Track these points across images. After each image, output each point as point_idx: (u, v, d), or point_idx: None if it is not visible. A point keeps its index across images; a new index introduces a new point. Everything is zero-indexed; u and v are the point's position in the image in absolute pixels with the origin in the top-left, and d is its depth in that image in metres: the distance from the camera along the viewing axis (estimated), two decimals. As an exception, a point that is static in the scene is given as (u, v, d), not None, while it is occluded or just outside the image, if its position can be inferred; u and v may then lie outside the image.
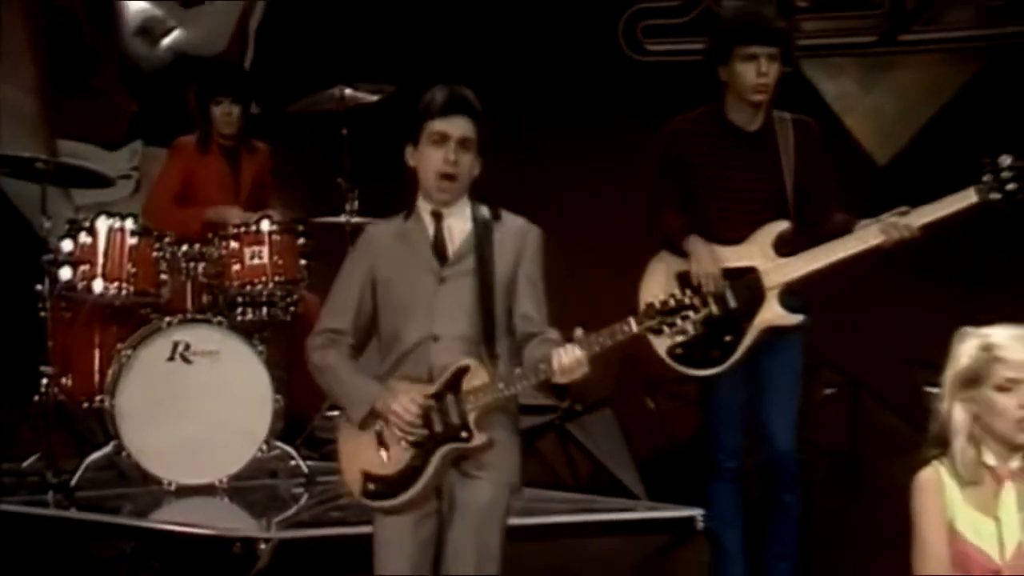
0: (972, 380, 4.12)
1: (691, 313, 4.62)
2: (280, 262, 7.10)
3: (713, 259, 5.83)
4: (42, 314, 7.03)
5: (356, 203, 7.37)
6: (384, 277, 4.76)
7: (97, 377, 7.00)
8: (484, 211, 4.78)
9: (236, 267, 7.09)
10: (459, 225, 4.77)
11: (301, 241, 7.18)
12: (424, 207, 4.78)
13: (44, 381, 7.02)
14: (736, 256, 5.86)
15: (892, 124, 8.33)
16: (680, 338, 5.63)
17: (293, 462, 6.99)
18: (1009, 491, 4.13)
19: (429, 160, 4.71)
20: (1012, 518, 4.11)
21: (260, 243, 7.08)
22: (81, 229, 6.99)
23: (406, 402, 4.67)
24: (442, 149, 4.70)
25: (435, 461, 4.69)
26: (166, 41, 8.62)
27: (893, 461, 6.58)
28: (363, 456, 4.75)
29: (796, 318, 5.85)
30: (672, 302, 4.63)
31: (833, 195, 5.96)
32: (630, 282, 5.91)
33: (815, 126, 6.04)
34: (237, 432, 6.87)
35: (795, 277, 5.84)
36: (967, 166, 5.86)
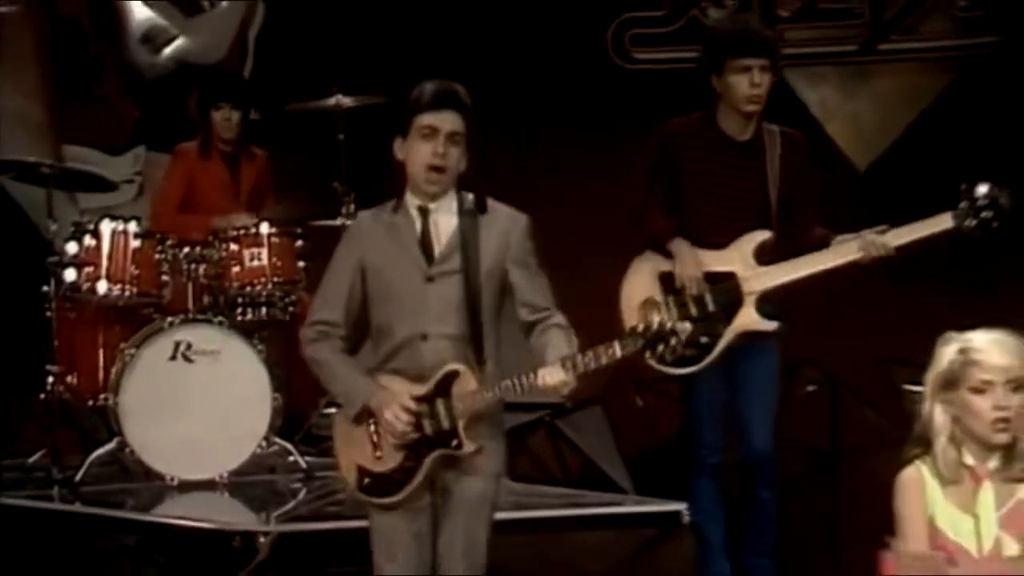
0: (950, 382, 4.13)
1: (673, 340, 4.58)
2: (279, 264, 7.09)
3: (696, 262, 5.84)
4: (48, 314, 7.03)
5: (352, 206, 7.33)
6: (373, 267, 4.70)
7: (101, 375, 7.00)
8: (470, 202, 4.71)
9: (236, 269, 7.08)
10: (445, 220, 4.70)
11: (299, 243, 7.16)
12: (412, 202, 4.71)
13: (50, 379, 7.02)
14: (718, 261, 5.87)
15: (872, 131, 8.34)
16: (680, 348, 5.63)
17: (292, 458, 6.98)
18: (987, 490, 4.13)
19: (418, 153, 4.64)
20: (990, 516, 4.12)
21: (259, 245, 7.07)
22: (86, 232, 6.99)
23: (397, 410, 4.65)
24: (431, 143, 4.63)
25: (426, 464, 4.68)
26: (168, 49, 8.60)
27: (872, 457, 6.61)
28: (358, 451, 4.74)
29: (771, 324, 5.87)
30: (655, 327, 4.58)
31: (814, 209, 5.97)
32: (618, 285, 5.91)
33: (802, 140, 6.04)
34: (237, 429, 6.86)
35: (772, 286, 5.86)
36: (944, 172, 5.86)
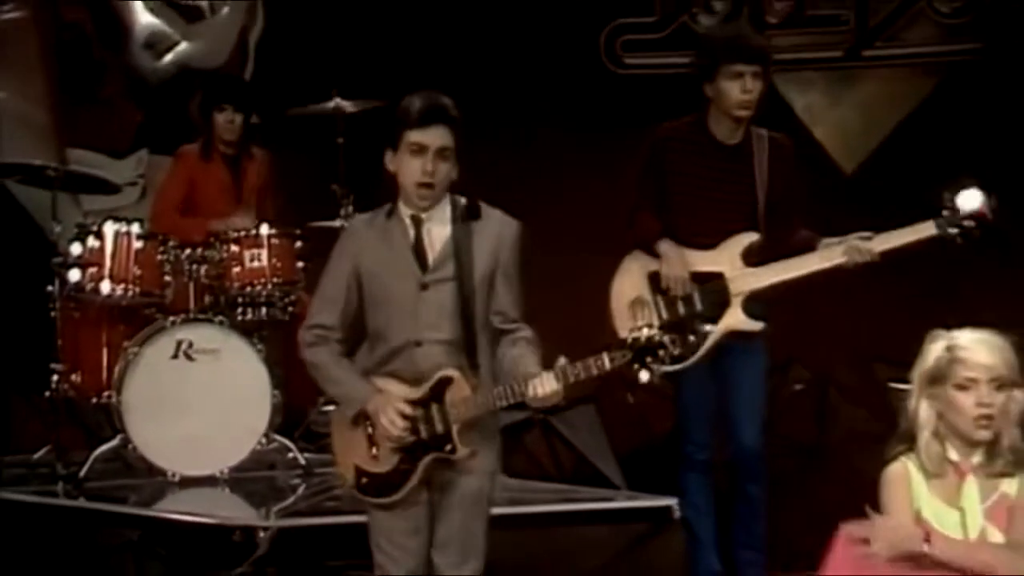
0: (936, 379, 4.14)
1: (661, 352, 4.58)
2: (278, 264, 7.08)
3: (683, 263, 5.84)
4: (52, 314, 7.03)
5: (351, 208, 7.34)
6: (368, 272, 4.68)
7: (105, 374, 6.98)
8: (463, 208, 4.68)
9: (236, 269, 7.06)
10: (438, 228, 4.68)
11: (298, 244, 7.15)
12: (405, 210, 4.69)
13: (54, 378, 7.02)
14: (706, 262, 5.87)
15: (857, 135, 8.33)
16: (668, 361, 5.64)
17: (291, 454, 6.97)
18: (971, 484, 4.14)
19: (408, 168, 4.61)
20: (975, 509, 4.12)
21: (259, 246, 7.05)
22: (89, 233, 6.98)
23: (393, 415, 4.63)
24: (420, 159, 4.59)
25: (421, 467, 4.67)
26: (170, 55, 8.59)
27: (858, 452, 6.61)
28: (355, 451, 4.73)
29: (757, 325, 5.87)
30: (643, 340, 4.57)
31: (800, 211, 5.96)
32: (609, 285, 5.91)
33: (789, 144, 6.04)
34: (237, 426, 6.85)
35: (759, 287, 5.86)
36: (928, 175, 5.86)
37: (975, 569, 4.05)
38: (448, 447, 4.65)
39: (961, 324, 4.19)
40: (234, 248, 7.05)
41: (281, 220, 7.25)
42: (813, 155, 7.97)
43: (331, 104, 7.50)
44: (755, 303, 5.85)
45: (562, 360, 4.55)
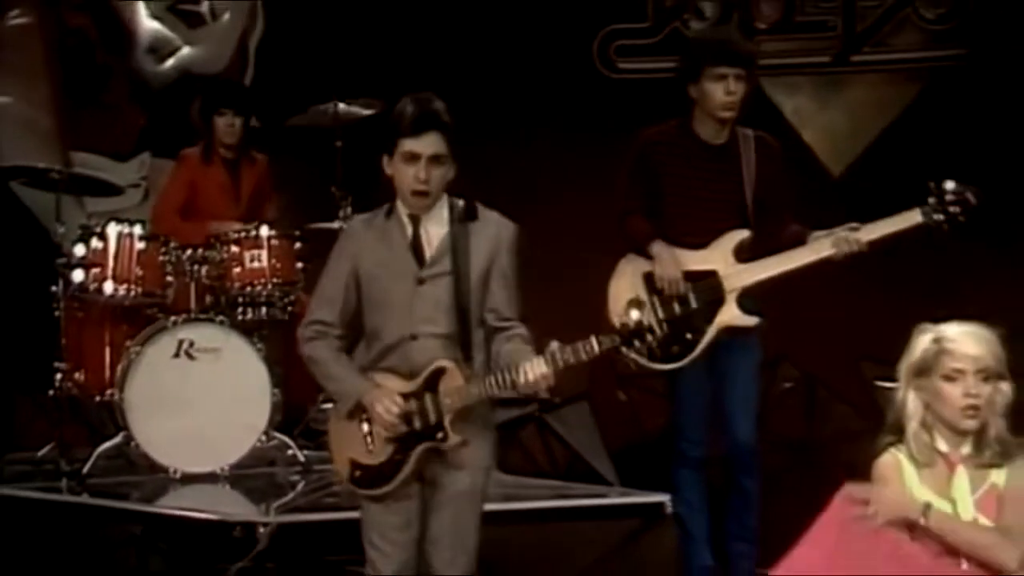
0: (923, 370, 4.13)
1: (649, 336, 4.58)
2: (278, 265, 7.06)
3: (675, 263, 5.81)
4: (56, 314, 7.01)
5: (349, 210, 7.32)
6: (366, 272, 4.66)
7: (108, 372, 6.96)
8: (460, 210, 4.66)
9: (237, 270, 7.05)
10: (436, 227, 4.66)
11: (297, 246, 7.13)
12: (403, 209, 4.67)
13: (58, 376, 7.00)
14: (699, 260, 5.84)
15: (845, 138, 8.33)
16: (655, 345, 5.64)
17: (290, 451, 6.95)
18: (961, 475, 4.13)
19: (403, 175, 4.59)
20: (966, 499, 4.11)
21: (259, 247, 7.04)
22: (93, 235, 6.96)
23: (388, 404, 4.60)
24: (414, 167, 4.57)
25: (414, 457, 4.65)
26: (172, 59, 8.57)
27: (846, 447, 6.59)
28: (351, 445, 4.71)
29: (753, 320, 5.85)
30: (632, 324, 4.57)
31: (789, 207, 5.95)
32: (606, 283, 5.88)
33: (775, 142, 6.03)
34: (238, 424, 6.83)
35: (752, 282, 5.83)
36: (913, 177, 5.86)
37: (964, 547, 4.05)
38: (440, 435, 4.62)
39: (947, 319, 4.18)
40: (235, 249, 7.04)
41: (280, 222, 7.23)
42: (802, 158, 7.98)
43: (330, 109, 7.47)
44: (749, 298, 5.83)
45: (553, 344, 4.53)
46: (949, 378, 4.09)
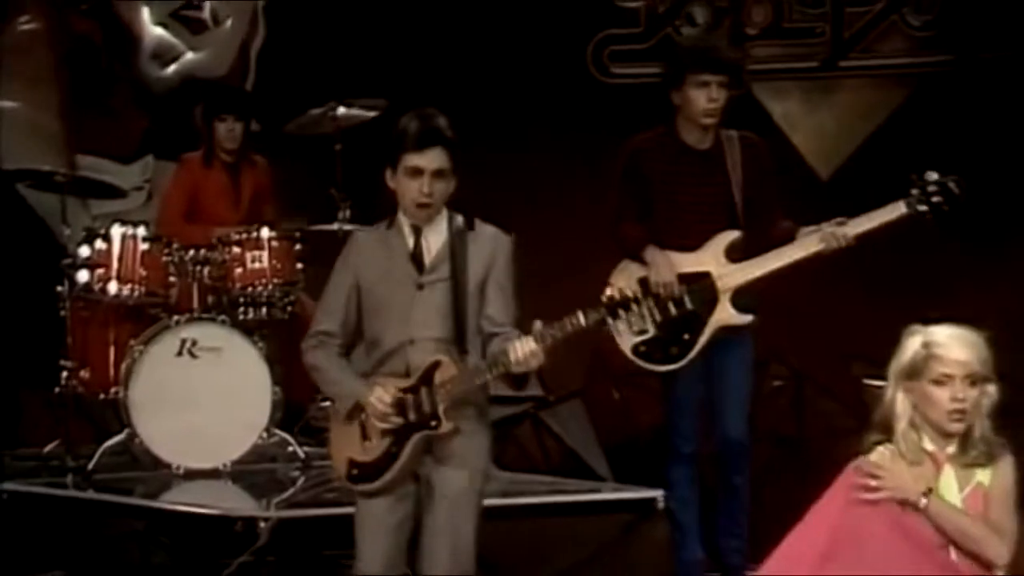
0: (913, 373, 4.13)
1: (633, 306, 4.59)
2: (278, 266, 7.05)
3: (669, 267, 5.80)
4: (62, 313, 6.99)
5: (348, 212, 7.31)
6: (367, 284, 4.69)
7: (112, 371, 6.95)
8: (459, 222, 4.69)
9: (238, 270, 7.03)
10: (436, 237, 4.69)
11: (298, 247, 7.12)
12: (404, 220, 4.70)
13: (64, 374, 6.98)
14: (692, 262, 5.83)
15: (833, 142, 8.33)
16: (643, 337, 5.65)
17: (290, 448, 6.92)
18: (948, 474, 4.13)
19: (406, 189, 4.62)
20: (953, 498, 4.11)
21: (260, 248, 7.02)
22: (97, 236, 6.95)
23: (380, 393, 4.61)
24: (417, 180, 4.59)
25: (409, 447, 4.63)
26: (175, 65, 8.55)
27: (835, 444, 6.56)
28: (348, 445, 4.70)
29: (747, 318, 5.84)
30: (617, 296, 4.58)
31: (777, 204, 5.93)
32: (601, 289, 5.86)
33: (760, 142, 6.02)
34: (239, 421, 6.81)
35: (745, 281, 5.82)
36: (900, 179, 5.86)
37: (956, 537, 4.05)
38: (433, 423, 4.61)
39: (936, 320, 4.17)
40: (236, 250, 7.03)
41: (281, 224, 7.21)
42: (791, 161, 7.99)
43: (329, 113, 7.45)
44: (742, 297, 5.82)
45: (537, 324, 4.54)
46: (938, 382, 4.09)
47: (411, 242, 4.67)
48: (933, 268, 7.50)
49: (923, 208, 5.76)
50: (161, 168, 8.23)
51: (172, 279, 6.99)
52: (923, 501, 4.05)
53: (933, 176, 5.76)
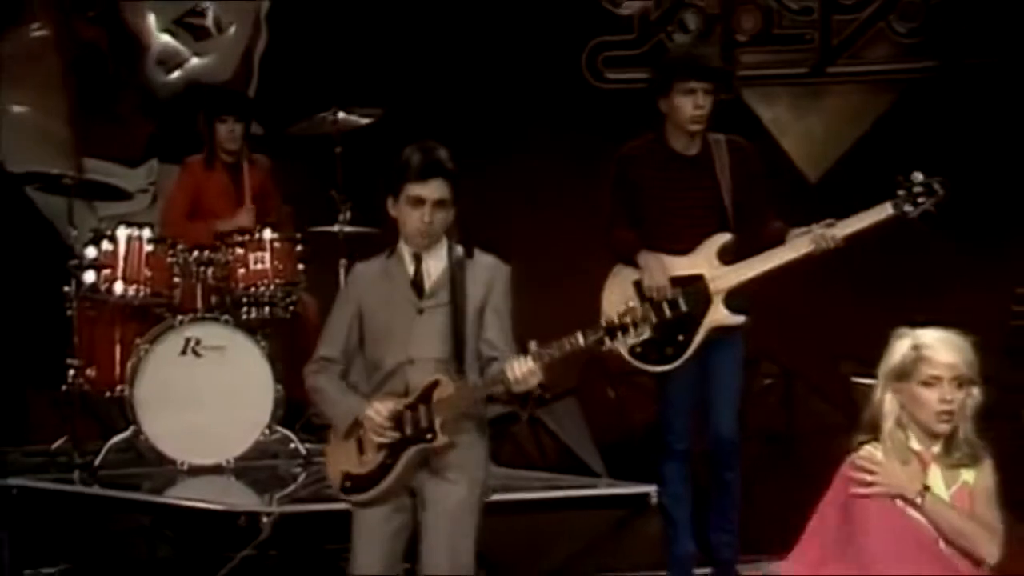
0: (902, 374, 4.11)
1: (632, 331, 4.57)
2: (280, 266, 7.03)
3: (662, 271, 5.78)
4: (69, 313, 6.98)
5: (348, 214, 7.29)
6: (369, 311, 4.69)
7: (118, 369, 6.94)
8: (459, 251, 4.70)
9: (241, 271, 7.02)
10: (436, 264, 4.69)
11: (299, 248, 7.10)
12: (405, 248, 4.71)
13: (71, 372, 6.97)
14: (685, 265, 5.81)
15: (821, 146, 8.33)
16: (639, 338, 5.62)
17: (292, 445, 6.91)
18: (935, 473, 4.12)
19: (408, 218, 4.63)
20: (942, 496, 4.10)
21: (262, 249, 7.01)
22: (103, 237, 6.95)
23: (378, 406, 4.60)
24: (419, 210, 4.60)
25: (403, 460, 4.61)
26: (180, 70, 8.53)
27: (823, 442, 6.55)
28: (344, 458, 4.70)
29: (739, 318, 5.81)
30: (616, 320, 4.57)
31: (767, 206, 5.91)
32: (598, 288, 5.85)
33: (748, 145, 5.99)
34: (242, 418, 6.80)
35: (738, 283, 5.80)
36: (887, 181, 5.85)
37: (950, 534, 4.05)
38: (429, 435, 4.59)
39: (924, 322, 4.16)
40: (239, 251, 7.01)
41: (283, 225, 7.19)
42: (780, 164, 7.98)
43: (329, 117, 7.43)
44: (735, 298, 5.80)
45: (533, 344, 4.53)
46: (926, 384, 4.08)
47: (412, 269, 4.68)
48: (920, 269, 7.49)
49: (909, 209, 5.75)
50: (166, 171, 8.21)
51: (176, 280, 6.98)
52: (921, 498, 4.04)
53: (919, 177, 5.75)
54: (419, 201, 4.60)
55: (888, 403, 4.11)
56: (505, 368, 4.50)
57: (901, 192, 5.75)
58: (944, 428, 4.09)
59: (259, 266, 7.00)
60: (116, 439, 6.84)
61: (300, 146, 7.64)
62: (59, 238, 7.67)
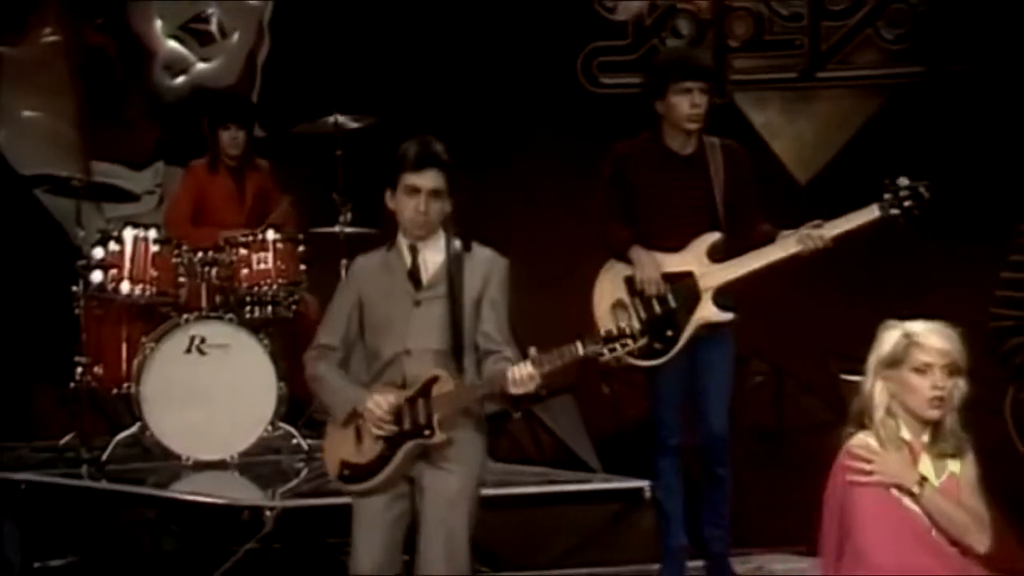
0: (893, 362, 4.10)
1: (630, 342, 4.58)
2: (283, 267, 7.02)
3: (654, 266, 5.76)
4: (77, 312, 6.98)
5: (349, 215, 7.29)
6: (369, 301, 4.69)
7: (124, 367, 6.94)
8: (457, 244, 4.70)
9: (245, 271, 7.01)
10: (433, 256, 4.69)
11: (301, 249, 7.10)
12: (403, 241, 4.71)
13: (79, 370, 6.96)
14: (675, 262, 5.79)
15: (811, 149, 8.33)
16: (637, 347, 5.60)
17: (295, 440, 6.90)
18: (925, 461, 4.11)
19: (405, 207, 4.64)
20: (933, 483, 4.09)
21: (265, 250, 7.00)
22: (110, 238, 6.95)
23: (379, 399, 4.59)
24: (415, 199, 4.62)
25: (401, 453, 4.60)
26: (185, 75, 8.52)
27: (813, 437, 6.55)
28: (342, 447, 4.68)
29: (727, 316, 5.80)
30: (615, 331, 4.58)
31: (757, 207, 5.90)
32: (591, 291, 5.84)
33: (740, 148, 5.99)
34: (246, 415, 6.79)
35: (726, 280, 5.78)
36: (874, 184, 5.85)
37: (943, 523, 4.05)
38: (427, 431, 4.58)
39: (910, 318, 4.15)
40: (242, 252, 7.01)
41: (285, 226, 7.18)
42: (771, 167, 7.97)
43: (331, 120, 7.42)
44: (724, 296, 5.79)
45: (533, 350, 4.53)
46: (919, 370, 4.07)
47: (409, 260, 4.68)
48: (906, 269, 7.48)
49: (895, 211, 5.74)
50: (171, 174, 8.20)
51: (181, 279, 6.98)
52: (920, 488, 4.03)
53: (905, 181, 5.75)
54: (415, 190, 4.61)
55: (879, 392, 4.10)
56: (505, 371, 4.50)
57: (888, 195, 5.75)
58: (935, 415, 4.07)
59: (262, 266, 7.00)
60: (123, 435, 6.83)
61: (301, 149, 7.64)
62: (67, 239, 7.67)
